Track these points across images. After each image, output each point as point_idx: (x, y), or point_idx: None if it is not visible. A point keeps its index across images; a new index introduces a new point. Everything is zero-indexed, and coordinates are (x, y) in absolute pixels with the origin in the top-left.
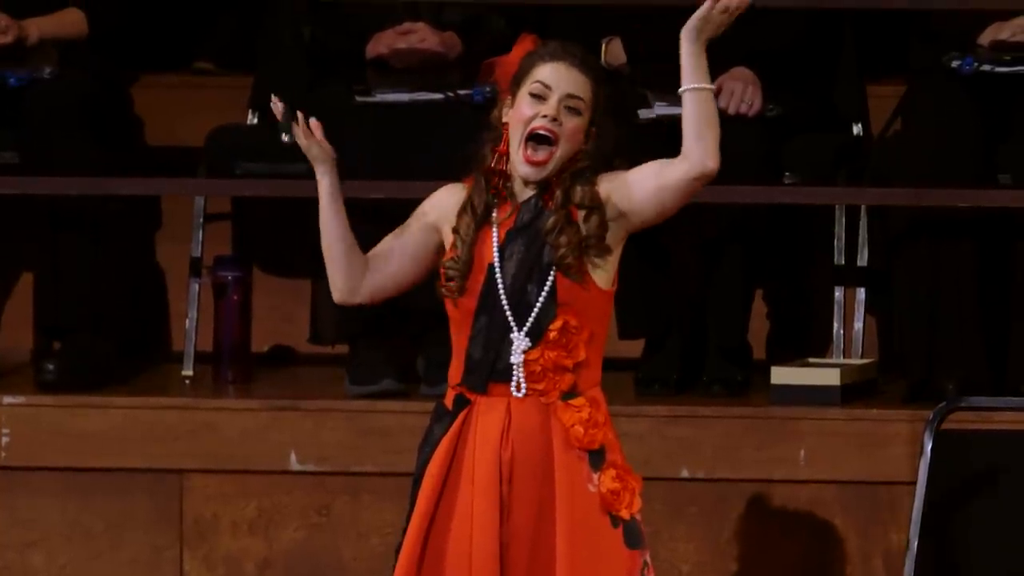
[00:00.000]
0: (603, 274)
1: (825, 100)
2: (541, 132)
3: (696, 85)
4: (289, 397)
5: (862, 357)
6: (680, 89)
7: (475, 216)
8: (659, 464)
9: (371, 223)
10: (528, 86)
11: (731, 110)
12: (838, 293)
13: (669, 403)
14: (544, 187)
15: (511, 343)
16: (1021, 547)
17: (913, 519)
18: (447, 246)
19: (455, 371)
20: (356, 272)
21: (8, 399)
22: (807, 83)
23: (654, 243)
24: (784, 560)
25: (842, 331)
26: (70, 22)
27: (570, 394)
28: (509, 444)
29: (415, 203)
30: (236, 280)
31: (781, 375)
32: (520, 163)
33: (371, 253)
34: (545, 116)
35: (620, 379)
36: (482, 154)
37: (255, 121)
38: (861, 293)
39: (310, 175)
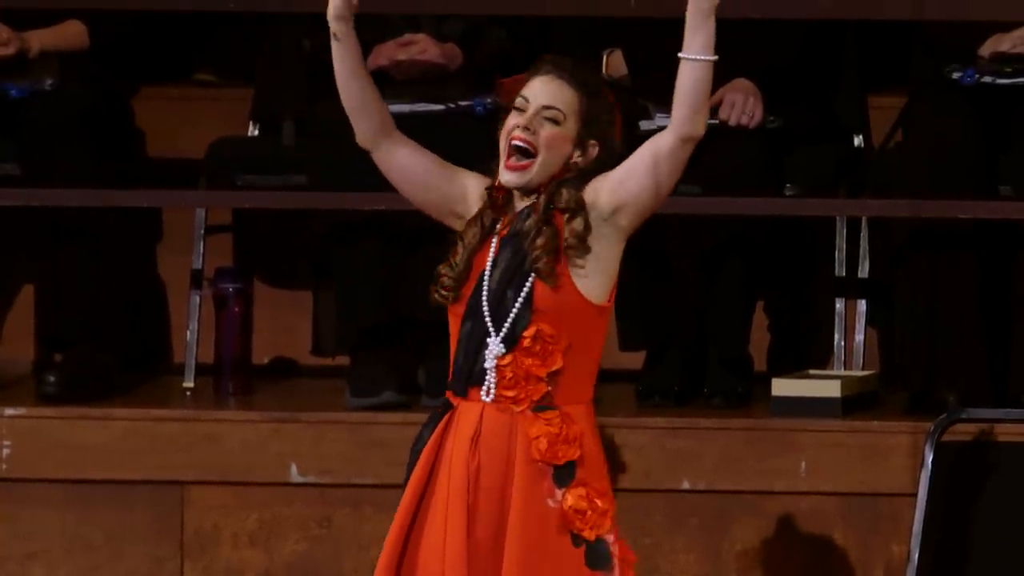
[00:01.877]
0: (591, 284)
1: (826, 111)
2: (517, 143)
3: (702, 57)
4: (290, 409)
5: (863, 369)
6: (682, 55)
7: (483, 229)
8: (660, 476)
9: (373, 233)
10: (514, 99)
11: (732, 121)
12: (839, 305)
13: (670, 415)
14: (538, 196)
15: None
16: (1022, 558)
17: (914, 531)
18: (455, 223)
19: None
20: (372, 118)
21: (9, 411)
22: (808, 94)
23: (655, 255)
24: (785, 572)
25: (843, 343)
26: (71, 34)
27: (543, 406)
28: (477, 452)
29: (416, 214)
30: (237, 292)
31: (782, 387)
32: (503, 171)
33: (418, 146)
34: (519, 127)
35: (621, 391)
36: (491, 169)
37: (256, 133)
38: (862, 305)
39: (310, 187)
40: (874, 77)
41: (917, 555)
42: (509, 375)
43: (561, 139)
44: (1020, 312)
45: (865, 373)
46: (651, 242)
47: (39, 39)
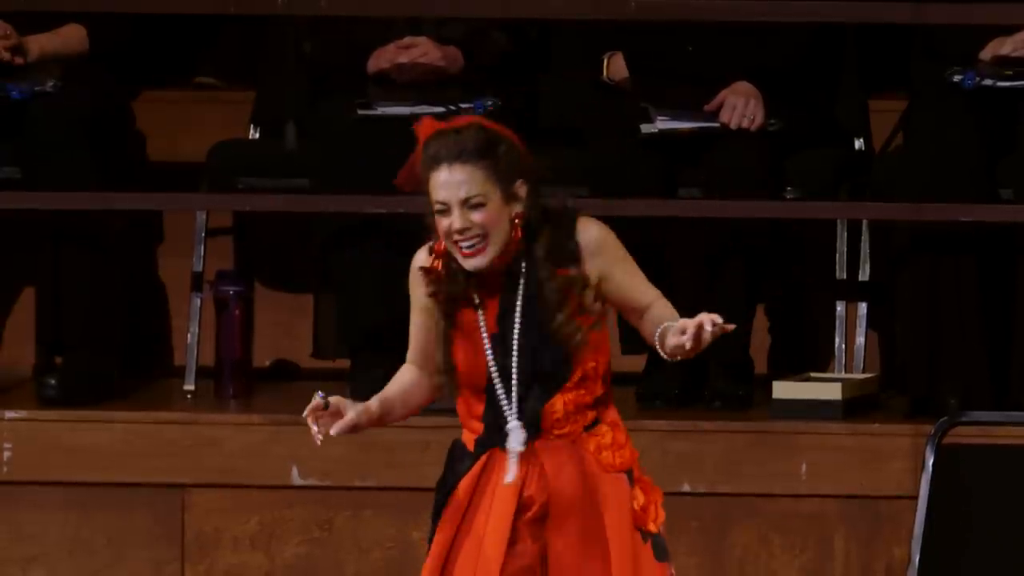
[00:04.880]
0: (596, 308)
1: (827, 114)
2: (466, 245)
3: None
4: (291, 412)
5: (864, 372)
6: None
7: (452, 309)
8: (660, 478)
9: (374, 236)
10: (432, 204)
11: (733, 124)
12: (840, 308)
13: (670, 417)
14: (517, 265)
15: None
16: (1023, 561)
17: (915, 534)
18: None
19: (466, 418)
20: (425, 394)
21: (10, 414)
22: (809, 97)
23: (656, 257)
24: (785, 575)
25: (844, 346)
26: (72, 38)
27: (591, 425)
28: (533, 482)
29: (418, 217)
30: (238, 295)
31: (783, 390)
32: (464, 262)
33: (412, 358)
34: (457, 231)
35: (622, 393)
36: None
37: (257, 136)
38: (863, 308)
39: (311, 189)
40: (875, 80)
41: (918, 558)
42: (560, 415)
43: (496, 212)
44: (1021, 315)
45: (866, 376)
46: (652, 245)
47: (39, 43)
